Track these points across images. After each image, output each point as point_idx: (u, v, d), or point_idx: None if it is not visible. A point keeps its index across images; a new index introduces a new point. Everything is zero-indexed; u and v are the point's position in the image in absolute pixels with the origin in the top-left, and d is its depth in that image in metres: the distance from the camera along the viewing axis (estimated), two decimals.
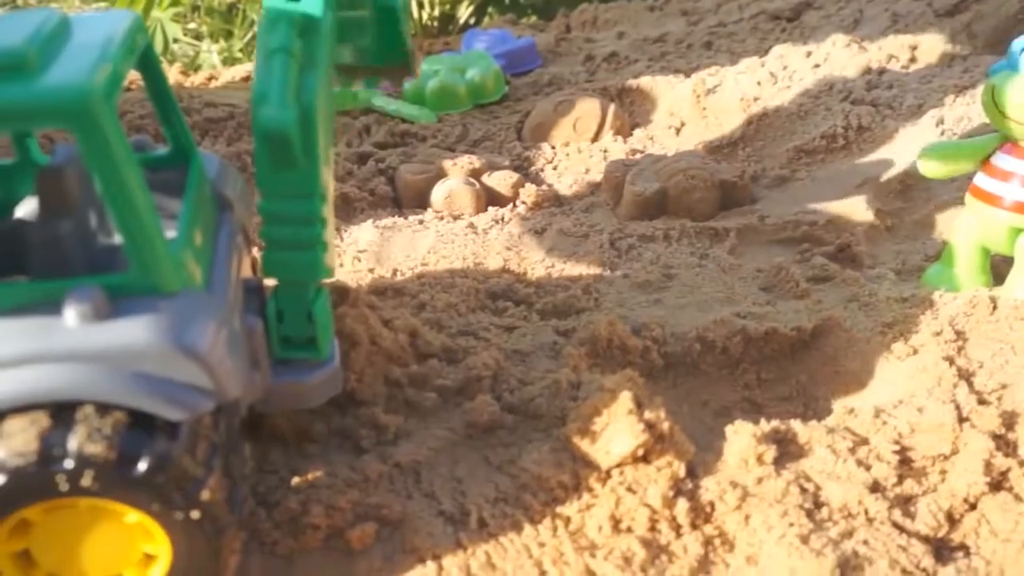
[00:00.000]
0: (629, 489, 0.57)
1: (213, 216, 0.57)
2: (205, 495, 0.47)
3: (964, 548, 0.57)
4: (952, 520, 0.58)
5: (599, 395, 0.60)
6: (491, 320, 0.78)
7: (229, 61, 1.71)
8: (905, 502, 0.59)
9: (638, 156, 1.12)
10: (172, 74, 1.52)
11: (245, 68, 1.55)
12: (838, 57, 1.27)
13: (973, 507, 0.59)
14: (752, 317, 0.77)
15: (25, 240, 0.51)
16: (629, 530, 0.56)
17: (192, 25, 1.81)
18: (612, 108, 1.24)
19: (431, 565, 0.54)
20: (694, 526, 0.57)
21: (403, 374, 0.68)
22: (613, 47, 1.54)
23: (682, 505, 0.57)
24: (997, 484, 0.60)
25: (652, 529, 0.56)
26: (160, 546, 0.49)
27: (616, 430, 0.58)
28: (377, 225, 0.98)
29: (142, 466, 0.46)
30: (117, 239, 0.51)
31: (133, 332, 0.45)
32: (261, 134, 0.49)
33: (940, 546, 0.57)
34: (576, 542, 0.55)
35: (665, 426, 0.59)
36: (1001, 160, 0.74)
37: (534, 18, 1.91)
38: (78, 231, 0.51)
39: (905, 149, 1.04)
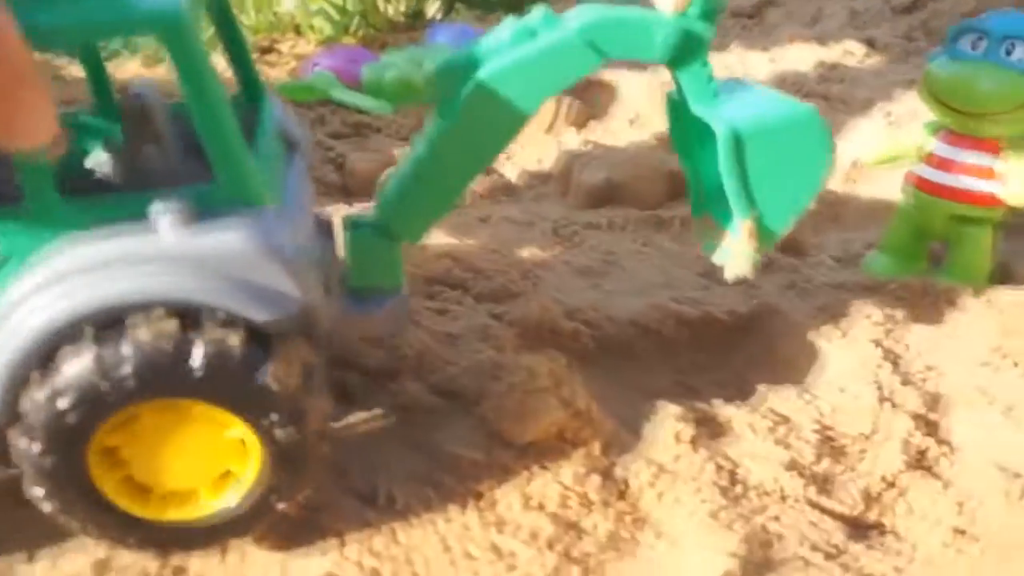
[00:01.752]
0: (543, 466, 0.57)
1: (282, 151, 0.59)
2: (309, 418, 0.49)
3: (880, 526, 0.57)
4: (870, 499, 0.58)
5: (517, 373, 0.59)
6: (424, 304, 0.77)
7: None
8: (824, 481, 0.59)
9: (592, 147, 1.12)
10: (133, 67, 1.51)
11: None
12: (795, 53, 1.27)
13: (892, 485, 0.59)
14: (688, 302, 0.77)
15: (112, 168, 0.53)
16: (540, 507, 0.55)
17: None
18: (568, 100, 1.24)
19: (332, 541, 0.53)
20: (606, 503, 0.56)
21: (329, 356, 0.67)
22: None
23: (595, 482, 0.56)
24: (917, 463, 0.59)
25: (563, 506, 0.55)
26: (246, 466, 0.50)
27: (531, 407, 0.57)
28: None
29: (262, 376, 0.47)
30: (198, 161, 0.52)
31: (225, 236, 0.47)
32: None
33: (857, 524, 0.57)
34: (484, 518, 0.54)
35: (582, 404, 0.58)
36: (939, 148, 0.74)
37: (501, 14, 1.90)
38: (160, 151, 0.53)
39: (854, 141, 1.04)
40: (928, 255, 0.78)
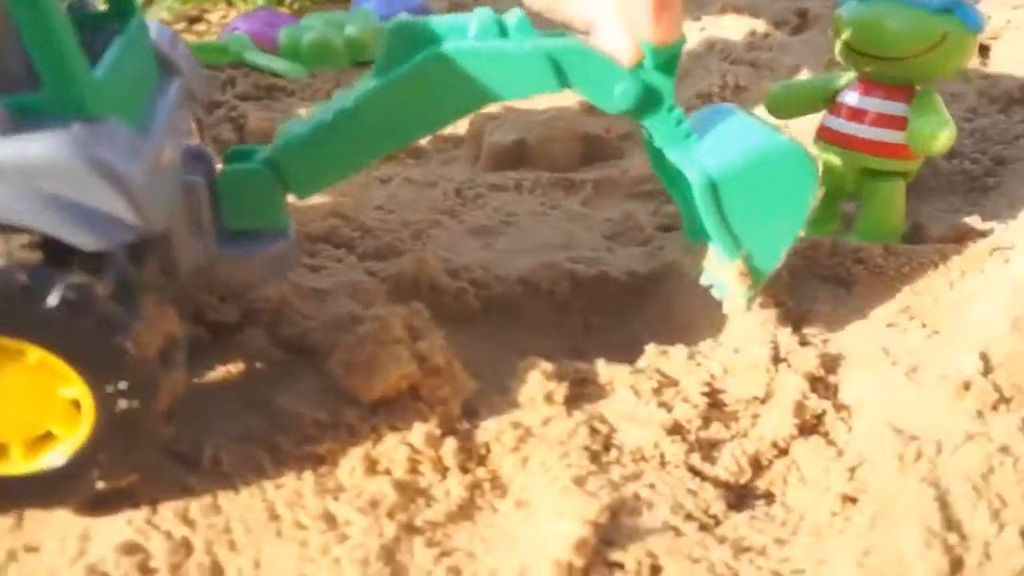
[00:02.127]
0: (393, 427, 0.51)
1: (154, 74, 0.53)
2: (160, 395, 0.44)
3: (769, 496, 0.52)
4: (759, 466, 0.53)
5: (368, 324, 0.53)
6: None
7: None
8: (709, 446, 0.53)
9: (506, 111, 1.06)
10: None
11: None
12: (725, 22, 1.22)
13: (784, 452, 0.53)
14: (585, 262, 0.71)
15: None
16: (387, 472, 0.49)
17: None
18: None
19: (144, 509, 0.46)
20: (464, 468, 0.50)
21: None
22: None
23: (451, 446, 0.50)
24: (811, 428, 0.54)
25: (412, 471, 0.49)
26: (72, 432, 0.44)
27: (381, 360, 0.51)
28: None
29: (121, 336, 0.42)
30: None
31: (39, 145, 0.40)
32: None
33: (743, 493, 0.52)
34: (321, 484, 0.48)
35: (441, 359, 0.52)
36: (850, 98, 0.69)
37: None
38: None
39: None
40: (840, 216, 0.73)
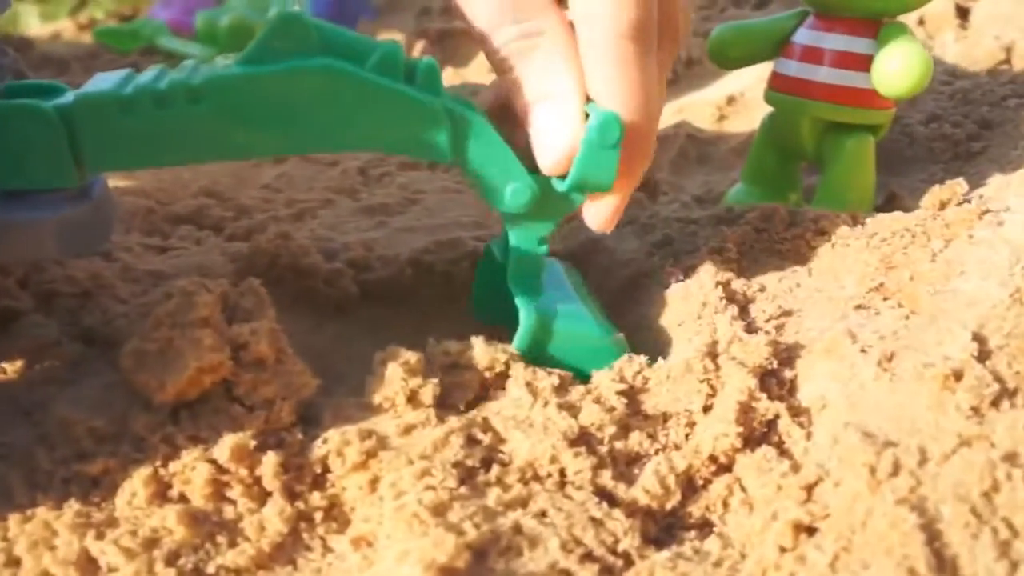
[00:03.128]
0: (193, 438, 0.38)
1: None
2: None
3: (705, 525, 0.39)
4: (691, 487, 0.40)
5: (172, 303, 0.40)
6: (141, 241, 0.58)
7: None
8: (626, 462, 0.41)
9: None
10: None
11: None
12: None
13: (725, 469, 0.41)
14: (492, 239, 0.59)
15: None
16: (180, 498, 0.36)
17: None
18: (420, 45, 1.07)
19: None
20: (291, 493, 0.37)
21: None
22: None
23: (272, 461, 0.37)
24: (760, 437, 0.42)
25: (215, 497, 0.36)
26: None
27: (176, 349, 0.38)
28: None
29: None
30: None
31: None
32: None
33: (668, 523, 0.39)
34: (85, 517, 0.35)
35: (264, 348, 0.39)
36: (804, 36, 0.57)
37: None
38: None
39: (731, 81, 0.88)
40: (800, 183, 0.62)
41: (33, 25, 1.48)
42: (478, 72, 1.04)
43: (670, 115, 0.85)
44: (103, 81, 0.42)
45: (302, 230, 0.60)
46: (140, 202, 0.64)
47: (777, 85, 0.58)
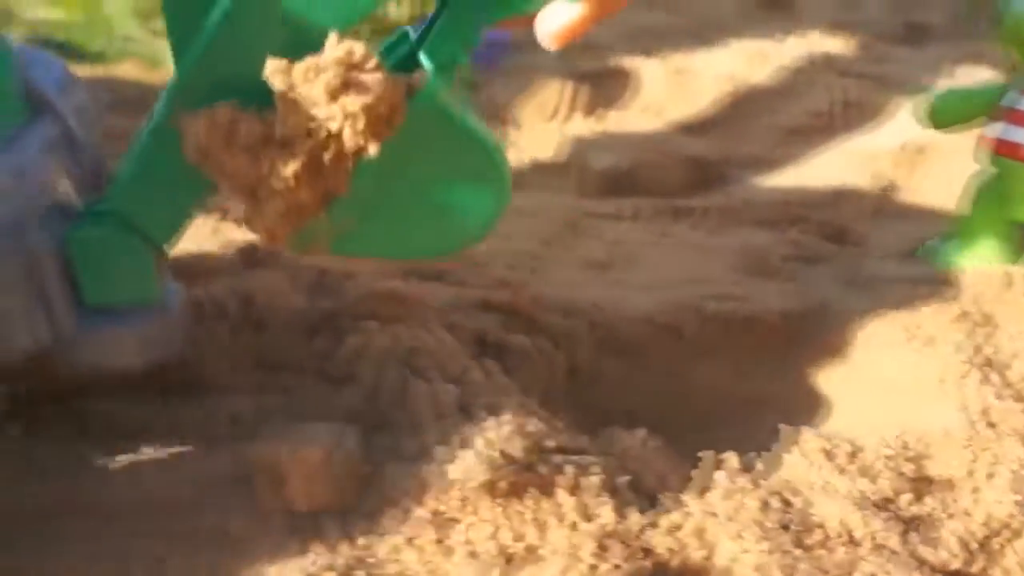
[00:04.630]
0: None
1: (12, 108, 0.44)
2: None
3: None
4: (968, 550, 0.44)
5: None
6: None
7: None
8: (916, 528, 0.45)
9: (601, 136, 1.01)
10: (127, 70, 1.42)
11: None
12: (827, 35, 1.16)
13: (998, 533, 0.45)
14: (720, 298, 0.64)
15: None
16: None
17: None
18: (578, 88, 1.13)
19: None
20: None
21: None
22: (591, 36, 1.44)
23: None
24: None
25: None
26: None
27: None
28: None
29: None
30: None
31: None
32: None
33: None
34: None
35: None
36: None
37: None
38: None
39: (901, 124, 0.92)
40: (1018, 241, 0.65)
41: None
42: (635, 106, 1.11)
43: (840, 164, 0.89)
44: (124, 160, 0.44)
45: (536, 281, 0.68)
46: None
47: (999, 149, 0.62)
